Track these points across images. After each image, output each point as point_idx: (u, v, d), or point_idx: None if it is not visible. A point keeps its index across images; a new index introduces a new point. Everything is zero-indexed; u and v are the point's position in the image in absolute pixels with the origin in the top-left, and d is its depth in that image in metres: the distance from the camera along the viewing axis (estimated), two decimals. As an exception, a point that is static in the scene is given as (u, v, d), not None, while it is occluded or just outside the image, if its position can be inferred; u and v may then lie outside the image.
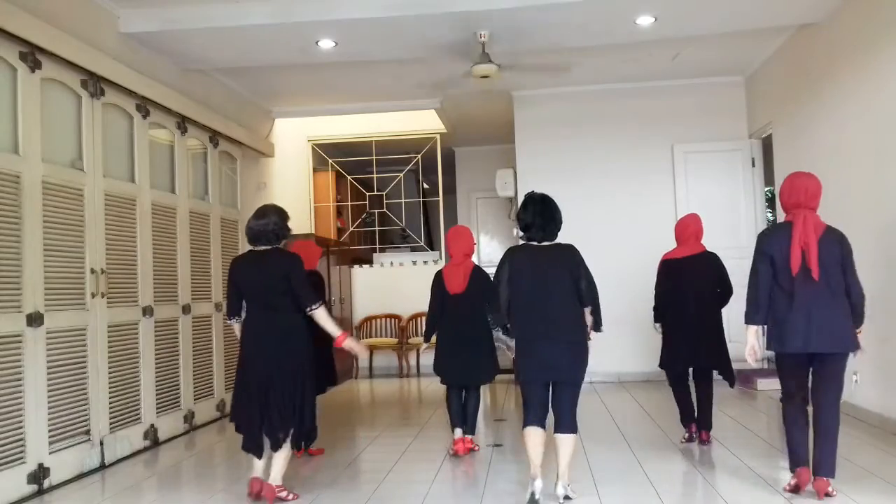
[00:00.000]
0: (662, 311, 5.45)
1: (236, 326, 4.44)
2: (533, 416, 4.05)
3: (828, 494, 3.88)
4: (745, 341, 4.07)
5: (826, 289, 3.86)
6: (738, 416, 6.26)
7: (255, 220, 4.38)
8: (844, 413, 5.97)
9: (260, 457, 4.31)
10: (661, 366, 5.50)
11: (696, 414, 5.34)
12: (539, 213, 4.10)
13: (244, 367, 4.32)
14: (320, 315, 4.30)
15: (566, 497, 4.00)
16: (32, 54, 4.77)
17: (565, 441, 3.99)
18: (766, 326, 4.09)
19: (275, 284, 4.27)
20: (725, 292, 5.30)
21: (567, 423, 4.01)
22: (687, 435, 5.34)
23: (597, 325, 4.22)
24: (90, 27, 5.48)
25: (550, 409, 4.11)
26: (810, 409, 4.06)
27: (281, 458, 4.27)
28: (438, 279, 5.44)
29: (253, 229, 4.36)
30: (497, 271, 4.15)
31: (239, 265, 4.43)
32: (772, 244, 3.98)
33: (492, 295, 4.29)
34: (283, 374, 4.21)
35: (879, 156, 5.49)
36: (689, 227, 5.38)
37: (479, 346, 5.15)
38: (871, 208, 5.60)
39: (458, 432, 5.33)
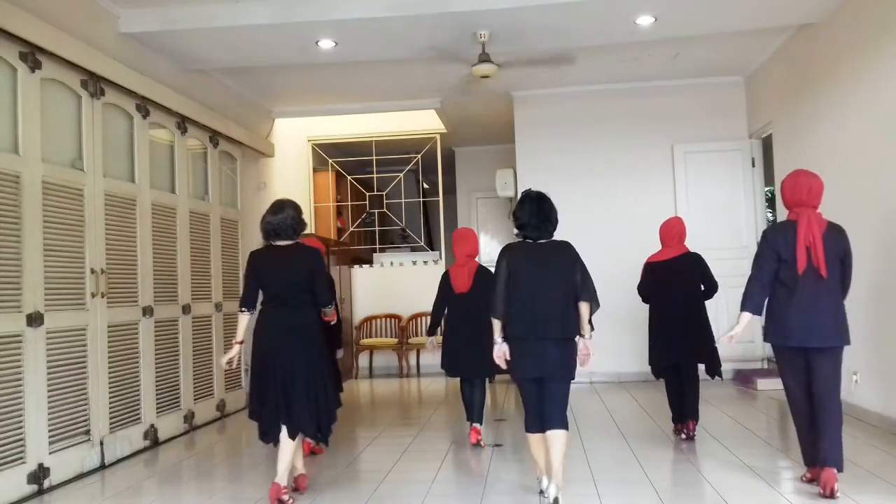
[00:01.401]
0: (650, 312, 5.74)
1: (245, 319, 4.41)
2: (533, 420, 4.05)
3: (833, 492, 3.86)
4: (738, 325, 4.15)
5: (829, 285, 3.98)
6: (738, 416, 6.26)
7: (272, 216, 4.39)
8: (844, 413, 5.99)
9: (276, 443, 4.31)
10: (650, 363, 5.74)
11: (684, 414, 5.55)
12: (535, 213, 4.08)
13: (262, 361, 4.34)
14: (330, 314, 4.49)
15: (555, 500, 3.83)
16: (32, 54, 4.77)
17: (557, 438, 3.92)
18: (762, 323, 4.23)
19: (298, 280, 4.34)
20: (710, 289, 5.59)
21: (558, 420, 3.96)
22: (676, 429, 5.65)
23: (594, 304, 4.14)
24: (90, 27, 5.48)
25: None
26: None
27: (287, 455, 4.25)
28: (445, 279, 5.72)
29: (272, 223, 4.37)
30: (496, 267, 4.12)
31: (262, 259, 4.44)
32: (778, 241, 4.06)
33: (489, 292, 4.17)
34: (301, 366, 4.27)
35: (879, 155, 5.49)
36: (673, 229, 5.64)
37: (481, 342, 5.17)
38: (871, 208, 5.60)
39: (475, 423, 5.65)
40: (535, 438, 4.05)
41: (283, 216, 4.37)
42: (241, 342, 4.47)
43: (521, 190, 8.77)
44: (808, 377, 4.06)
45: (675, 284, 5.51)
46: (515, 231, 4.21)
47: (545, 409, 4.00)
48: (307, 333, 4.34)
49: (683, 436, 5.50)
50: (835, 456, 3.92)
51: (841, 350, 4.05)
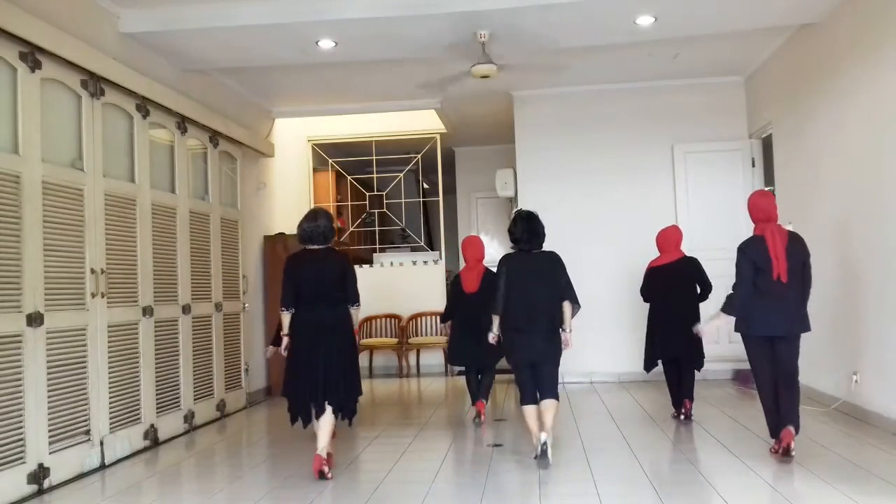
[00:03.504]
0: (650, 311, 6.31)
1: (287, 316, 4.91)
2: (528, 396, 4.92)
3: (788, 449, 4.59)
4: (713, 321, 5.09)
5: (791, 286, 4.76)
6: (737, 415, 6.26)
7: (308, 223, 4.95)
8: (844, 413, 6.02)
9: (306, 425, 4.95)
10: (646, 357, 6.28)
11: (681, 395, 6.19)
12: (526, 230, 5.00)
13: (303, 352, 4.82)
14: (356, 313, 5.02)
15: (545, 443, 4.73)
16: (32, 54, 4.77)
17: (550, 404, 4.85)
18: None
19: (332, 280, 4.90)
20: (705, 290, 6.16)
21: (549, 391, 4.89)
22: (675, 413, 6.25)
23: (575, 305, 5.01)
24: (90, 27, 5.48)
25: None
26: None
27: (327, 431, 4.80)
28: (457, 280, 6.50)
29: (307, 230, 4.94)
30: (497, 273, 5.04)
31: (297, 262, 4.95)
32: (754, 253, 4.82)
33: (491, 292, 5.07)
34: (338, 356, 4.82)
35: (879, 155, 5.49)
36: (671, 237, 6.27)
37: (486, 335, 5.78)
38: (871, 206, 5.60)
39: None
40: (530, 410, 4.88)
41: (317, 224, 4.93)
42: (288, 335, 4.93)
43: (521, 190, 8.83)
44: (773, 361, 4.83)
45: (675, 287, 6.08)
46: (511, 244, 5.09)
47: (540, 387, 4.92)
48: (343, 328, 4.92)
49: (682, 416, 6.12)
50: (792, 417, 4.68)
51: (799, 337, 4.84)
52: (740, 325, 4.89)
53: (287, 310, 4.91)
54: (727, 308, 4.87)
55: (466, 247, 6.52)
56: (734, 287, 4.85)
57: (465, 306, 6.34)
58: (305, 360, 4.84)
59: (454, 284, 6.55)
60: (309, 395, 4.82)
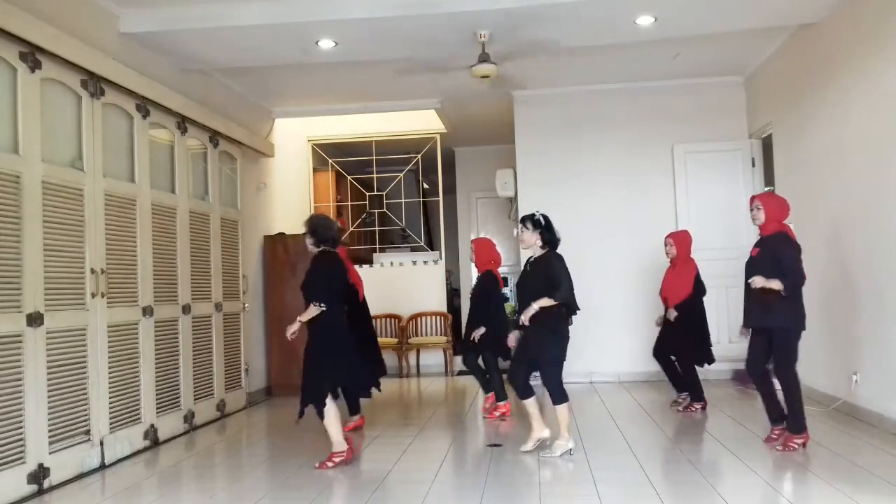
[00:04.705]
0: (698, 312, 6.57)
1: (316, 310, 4.97)
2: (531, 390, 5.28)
3: None
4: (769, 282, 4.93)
5: None
6: (737, 415, 6.27)
7: (332, 228, 5.27)
8: (844, 413, 6.01)
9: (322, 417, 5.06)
10: (709, 356, 6.60)
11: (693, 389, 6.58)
12: (555, 232, 5.18)
13: (328, 351, 5.04)
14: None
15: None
16: (32, 54, 4.77)
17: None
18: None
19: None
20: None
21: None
22: (702, 405, 6.56)
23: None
24: (90, 27, 5.48)
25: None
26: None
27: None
28: (493, 279, 6.64)
29: (332, 232, 5.24)
30: (563, 268, 5.07)
31: (333, 262, 5.19)
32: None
33: (562, 284, 5.00)
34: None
35: (879, 155, 5.49)
36: (690, 241, 6.60)
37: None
38: (871, 206, 5.60)
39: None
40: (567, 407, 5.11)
41: (336, 230, 5.31)
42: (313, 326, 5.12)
43: (521, 190, 8.82)
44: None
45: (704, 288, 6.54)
46: (541, 243, 5.12)
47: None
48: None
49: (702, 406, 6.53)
50: None
51: None
52: (800, 322, 4.96)
53: (328, 306, 4.99)
54: (791, 289, 4.86)
55: (491, 247, 6.84)
56: (798, 273, 4.87)
57: (500, 302, 6.74)
58: (327, 362, 5.03)
59: (491, 285, 6.64)
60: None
